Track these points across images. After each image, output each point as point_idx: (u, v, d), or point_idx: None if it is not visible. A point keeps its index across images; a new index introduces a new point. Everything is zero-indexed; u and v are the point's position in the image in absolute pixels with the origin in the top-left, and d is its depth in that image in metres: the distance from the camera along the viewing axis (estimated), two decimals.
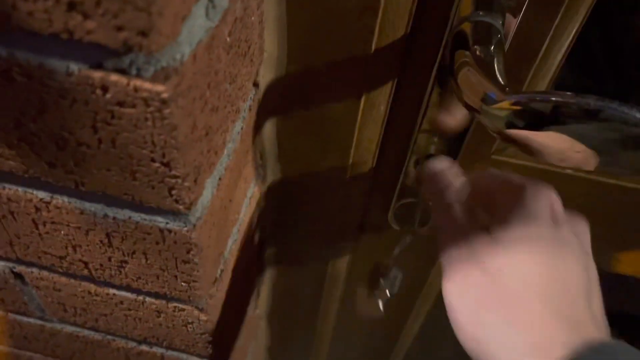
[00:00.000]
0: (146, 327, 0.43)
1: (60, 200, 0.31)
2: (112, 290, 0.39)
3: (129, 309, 0.41)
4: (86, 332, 0.47)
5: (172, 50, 0.22)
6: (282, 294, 0.69)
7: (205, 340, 0.42)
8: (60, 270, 0.38)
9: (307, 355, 0.84)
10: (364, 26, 0.35)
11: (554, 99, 0.28)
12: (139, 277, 0.36)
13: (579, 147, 0.29)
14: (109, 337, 0.47)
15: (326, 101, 0.40)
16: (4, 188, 0.32)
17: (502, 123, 0.30)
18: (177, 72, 0.22)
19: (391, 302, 0.70)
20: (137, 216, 0.31)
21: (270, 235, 0.57)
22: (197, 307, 0.38)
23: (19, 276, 0.41)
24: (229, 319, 0.46)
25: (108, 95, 0.23)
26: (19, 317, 0.48)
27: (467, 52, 0.33)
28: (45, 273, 0.39)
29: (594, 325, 0.28)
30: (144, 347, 0.47)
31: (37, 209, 0.32)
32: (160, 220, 0.30)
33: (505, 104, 0.30)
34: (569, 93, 0.28)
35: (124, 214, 0.31)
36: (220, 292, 0.41)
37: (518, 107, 0.30)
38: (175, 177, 0.26)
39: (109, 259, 0.35)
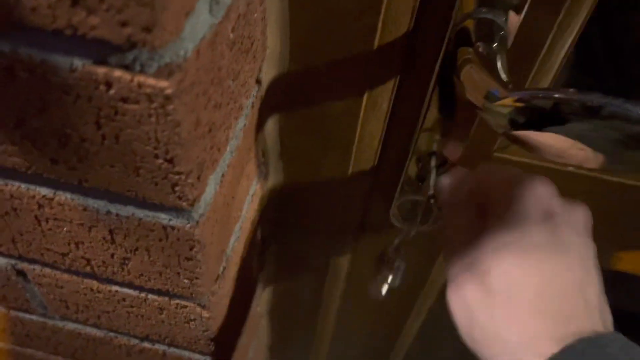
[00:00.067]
0: (148, 324, 0.43)
1: (63, 196, 0.31)
2: (114, 287, 0.39)
3: (132, 306, 0.41)
4: (88, 329, 0.47)
5: (175, 46, 0.22)
6: (283, 292, 0.69)
7: (208, 338, 0.42)
8: (63, 267, 0.38)
9: (308, 354, 0.84)
10: (366, 23, 0.35)
11: (557, 95, 0.28)
12: (142, 274, 0.36)
13: (582, 144, 0.29)
14: (111, 334, 0.47)
15: (328, 98, 0.40)
16: (6, 184, 0.32)
17: (505, 120, 0.30)
18: (181, 68, 0.22)
19: (392, 300, 0.70)
20: (140, 213, 0.31)
21: (272, 233, 0.57)
22: (199, 304, 0.38)
23: (21, 273, 0.41)
24: (231, 316, 0.46)
25: (112, 91, 0.23)
26: (20, 315, 0.48)
27: (470, 49, 0.33)
28: (47, 270, 0.39)
29: (586, 316, 0.28)
30: (146, 345, 0.47)
31: (40, 206, 0.32)
32: (164, 217, 0.30)
33: (508, 101, 0.30)
34: (572, 90, 0.28)
35: (127, 210, 0.31)
36: (222, 290, 0.41)
37: (521, 104, 0.30)
38: (179, 173, 0.26)
39: (112, 255, 0.35)
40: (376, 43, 0.36)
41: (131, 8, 0.19)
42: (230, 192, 0.36)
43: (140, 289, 0.38)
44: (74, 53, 0.22)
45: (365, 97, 0.40)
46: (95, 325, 0.46)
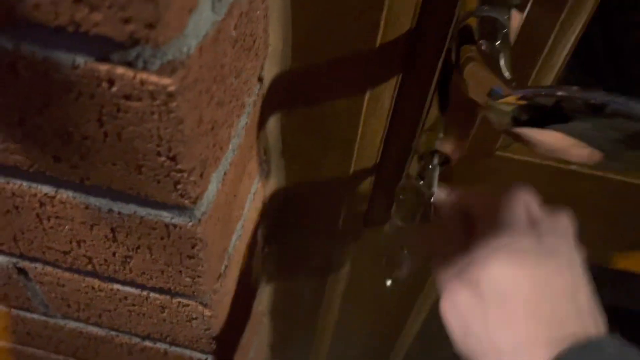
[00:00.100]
0: (150, 323, 0.43)
1: (65, 194, 0.31)
2: (116, 286, 0.39)
3: (133, 305, 0.41)
4: (90, 327, 0.47)
5: (178, 43, 0.22)
6: (285, 291, 0.69)
7: (209, 336, 0.42)
8: (64, 265, 0.38)
9: (308, 353, 0.84)
10: (369, 21, 0.34)
11: (560, 93, 0.28)
12: (144, 272, 0.36)
13: (584, 142, 0.29)
14: (113, 332, 0.47)
15: (331, 96, 0.40)
16: (8, 182, 0.31)
17: (508, 118, 0.30)
18: (184, 65, 0.22)
19: (393, 299, 0.70)
20: (142, 211, 0.30)
21: (273, 231, 0.57)
22: (201, 303, 0.38)
23: (22, 271, 0.41)
24: (232, 315, 0.46)
25: (114, 89, 0.23)
26: (22, 313, 0.48)
27: (473, 47, 0.33)
28: (49, 268, 0.39)
29: (579, 320, 0.28)
30: (148, 343, 0.47)
31: (42, 204, 0.32)
32: (166, 215, 0.30)
33: (511, 99, 0.30)
34: (575, 87, 0.28)
35: (129, 208, 0.31)
36: (224, 288, 0.41)
37: (524, 102, 0.29)
38: (181, 171, 0.26)
39: (114, 254, 0.35)
40: (378, 41, 0.36)
41: (134, 5, 0.19)
42: (232, 190, 0.36)
43: (142, 287, 0.38)
44: (76, 50, 0.22)
45: (367, 95, 0.39)
46: (96, 324, 0.46)
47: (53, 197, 0.31)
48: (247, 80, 0.34)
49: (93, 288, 0.40)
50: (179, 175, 0.26)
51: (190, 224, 0.30)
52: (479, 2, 0.34)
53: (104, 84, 0.23)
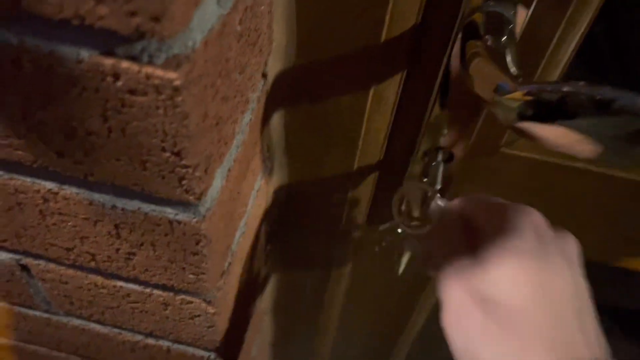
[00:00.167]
0: (153, 320, 0.43)
1: (69, 190, 0.31)
2: (119, 283, 0.39)
3: (136, 302, 0.41)
4: (92, 325, 0.47)
5: (184, 37, 0.21)
6: (287, 289, 0.69)
7: (213, 334, 0.42)
8: (67, 262, 0.38)
9: (311, 351, 0.84)
10: (374, 16, 0.34)
11: (566, 89, 0.28)
12: (147, 269, 0.36)
13: (590, 138, 0.29)
14: (115, 330, 0.46)
15: (334, 93, 0.40)
16: (11, 178, 0.31)
17: (514, 114, 0.30)
18: (189, 59, 0.22)
19: (395, 298, 0.70)
20: (146, 207, 0.30)
21: (276, 229, 0.56)
22: (204, 300, 0.38)
23: (25, 268, 0.41)
24: (236, 312, 0.46)
25: (119, 83, 0.23)
26: (24, 310, 0.48)
27: (479, 43, 0.33)
28: (51, 265, 0.39)
29: (586, 345, 0.27)
30: (150, 341, 0.46)
31: (45, 200, 0.32)
32: (170, 211, 0.30)
33: (517, 95, 0.30)
34: (581, 83, 0.28)
35: (133, 204, 0.30)
36: (227, 285, 0.41)
37: (530, 98, 0.29)
38: (186, 166, 0.26)
39: (117, 250, 0.35)
40: (383, 37, 0.35)
41: None
42: (236, 187, 0.36)
43: (145, 284, 0.38)
44: (81, 44, 0.22)
45: (371, 91, 0.39)
46: (99, 321, 0.46)
47: (56, 193, 0.31)
48: (252, 76, 0.33)
49: (96, 285, 0.40)
50: (183, 170, 0.26)
51: (195, 220, 0.30)
52: None
53: (109, 79, 0.22)
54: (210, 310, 0.39)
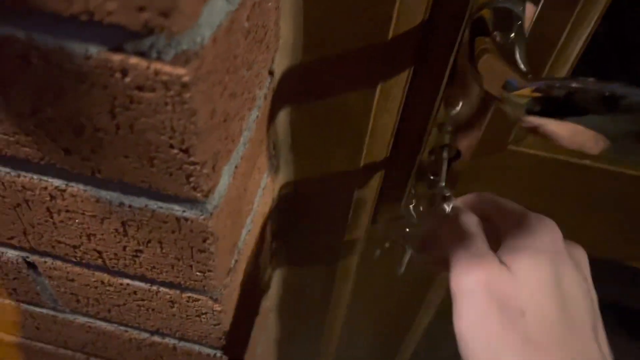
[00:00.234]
0: (159, 318, 0.43)
1: (76, 188, 0.31)
2: (125, 280, 0.39)
3: (143, 299, 0.41)
4: (98, 323, 0.47)
5: (193, 32, 0.21)
6: (293, 287, 0.69)
7: (219, 331, 0.42)
8: (74, 259, 0.38)
9: (316, 350, 0.84)
10: (381, 13, 0.34)
11: (576, 85, 0.28)
12: (154, 267, 0.36)
13: (600, 135, 0.28)
14: (122, 328, 0.46)
15: (341, 90, 0.40)
16: (19, 176, 0.31)
17: (523, 110, 0.30)
18: (198, 55, 0.22)
19: (401, 296, 0.70)
20: (153, 204, 0.30)
21: (282, 227, 0.56)
22: (211, 298, 0.38)
23: (32, 266, 0.41)
24: (242, 310, 0.46)
25: (127, 79, 0.22)
26: (31, 308, 0.48)
27: (487, 39, 0.33)
28: (58, 263, 0.39)
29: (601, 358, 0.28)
30: (157, 338, 0.47)
31: (52, 197, 0.32)
32: (177, 209, 0.30)
33: (526, 91, 0.30)
34: (591, 79, 0.27)
35: (140, 202, 0.30)
36: (234, 283, 0.41)
37: (539, 94, 0.29)
38: (194, 163, 0.26)
39: (124, 248, 0.35)
40: (391, 33, 0.35)
41: None
42: (242, 184, 0.36)
43: (152, 281, 0.38)
44: (89, 40, 0.22)
45: (378, 88, 0.39)
46: (105, 319, 0.46)
47: (64, 191, 0.31)
48: (259, 73, 0.33)
49: (102, 282, 0.40)
50: (191, 167, 0.26)
51: (202, 217, 0.30)
52: None
53: (117, 75, 0.22)
54: (217, 308, 0.39)
